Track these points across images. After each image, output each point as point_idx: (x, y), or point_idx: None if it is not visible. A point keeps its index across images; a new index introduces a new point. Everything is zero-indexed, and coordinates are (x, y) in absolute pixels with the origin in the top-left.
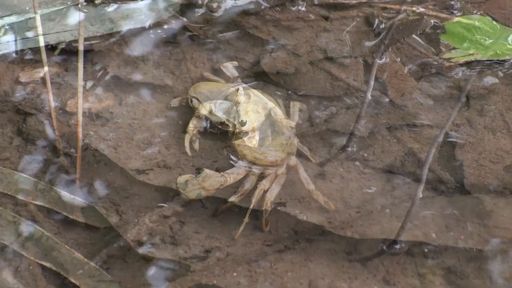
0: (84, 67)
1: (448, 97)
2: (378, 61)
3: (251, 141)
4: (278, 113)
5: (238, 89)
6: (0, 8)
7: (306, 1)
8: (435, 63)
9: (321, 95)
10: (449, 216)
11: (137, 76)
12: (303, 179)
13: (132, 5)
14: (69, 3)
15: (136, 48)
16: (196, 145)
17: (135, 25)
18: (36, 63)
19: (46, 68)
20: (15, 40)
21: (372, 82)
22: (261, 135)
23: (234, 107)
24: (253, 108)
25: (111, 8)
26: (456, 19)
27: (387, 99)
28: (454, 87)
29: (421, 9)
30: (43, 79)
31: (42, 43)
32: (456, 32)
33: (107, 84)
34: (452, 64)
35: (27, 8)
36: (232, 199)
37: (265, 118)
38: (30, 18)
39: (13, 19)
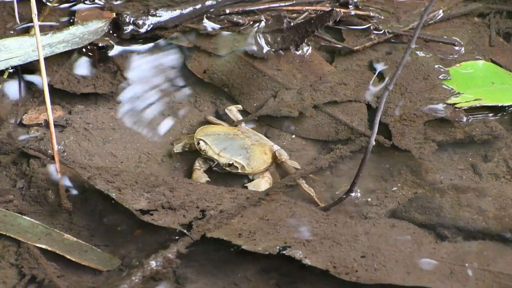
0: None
1: (452, 142)
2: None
3: (264, 184)
4: (284, 154)
5: (244, 132)
6: (5, 52)
7: (311, 46)
8: (440, 108)
9: (325, 139)
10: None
11: (139, 119)
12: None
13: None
14: (73, 46)
15: (141, 97)
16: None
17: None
18: (40, 105)
19: (49, 111)
20: (19, 83)
21: (376, 128)
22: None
23: (243, 150)
24: (261, 150)
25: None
26: (460, 64)
27: (390, 144)
28: (459, 133)
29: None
30: (46, 122)
31: (46, 87)
32: (461, 78)
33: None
34: (457, 109)
35: (31, 51)
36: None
37: (272, 160)
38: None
39: (16, 61)
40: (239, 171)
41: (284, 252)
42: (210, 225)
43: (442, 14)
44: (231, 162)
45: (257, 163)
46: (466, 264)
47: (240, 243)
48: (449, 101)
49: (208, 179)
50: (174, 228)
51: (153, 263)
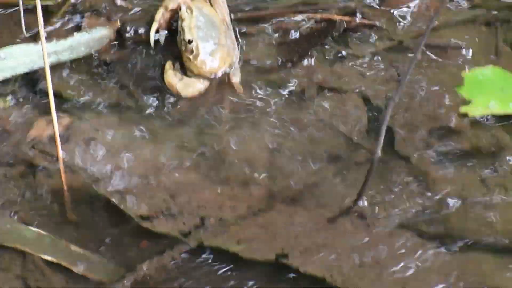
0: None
1: (459, 152)
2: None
3: (198, 85)
4: (237, 75)
5: (227, 31)
6: (11, 59)
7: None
8: (447, 116)
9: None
10: None
11: (146, 126)
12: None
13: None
14: (79, 54)
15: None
16: (162, 40)
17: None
18: (46, 114)
19: (54, 119)
20: (25, 91)
21: (382, 139)
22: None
23: (212, 44)
24: (223, 57)
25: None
26: (468, 70)
27: (396, 155)
28: (466, 142)
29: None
30: (53, 130)
31: (51, 94)
32: (469, 84)
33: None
34: (466, 118)
35: (36, 59)
36: None
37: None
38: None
39: (22, 69)
40: (190, 57)
41: (281, 260)
42: (209, 233)
43: (447, 21)
44: (193, 42)
45: (211, 63)
46: (467, 276)
47: (237, 251)
48: (461, 110)
49: (181, 77)
50: (173, 235)
51: (145, 268)
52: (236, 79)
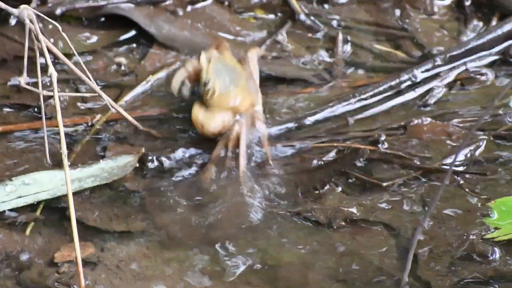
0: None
1: (481, 277)
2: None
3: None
4: (260, 116)
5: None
6: (34, 185)
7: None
8: (474, 243)
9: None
10: None
11: (173, 256)
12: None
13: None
14: (102, 181)
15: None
16: (186, 91)
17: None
18: (71, 242)
19: (77, 249)
20: (51, 219)
21: (409, 265)
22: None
23: (231, 83)
24: (244, 95)
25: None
26: (496, 200)
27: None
28: (489, 269)
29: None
30: (76, 260)
31: (74, 222)
32: (499, 211)
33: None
34: (492, 244)
35: (60, 185)
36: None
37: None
38: (61, 195)
39: (45, 195)
40: (209, 96)
41: None
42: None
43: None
44: (210, 81)
45: (231, 97)
46: None
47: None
48: (485, 236)
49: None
50: None
51: None
52: (260, 119)
